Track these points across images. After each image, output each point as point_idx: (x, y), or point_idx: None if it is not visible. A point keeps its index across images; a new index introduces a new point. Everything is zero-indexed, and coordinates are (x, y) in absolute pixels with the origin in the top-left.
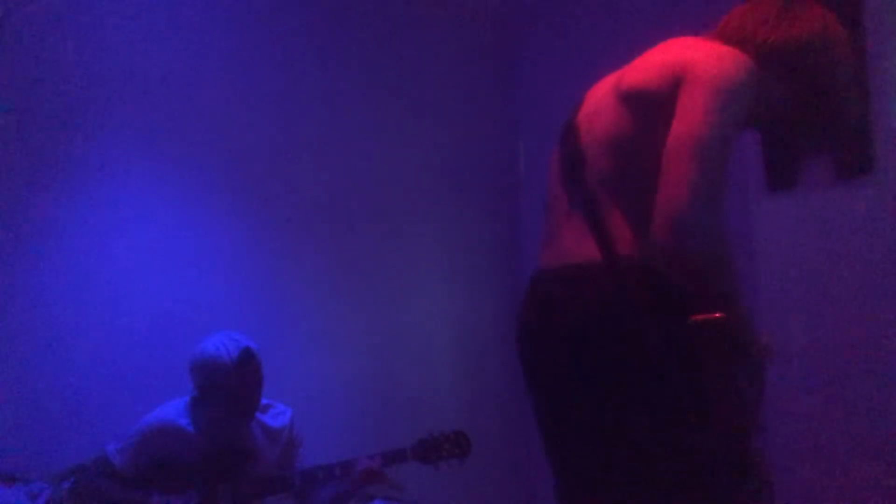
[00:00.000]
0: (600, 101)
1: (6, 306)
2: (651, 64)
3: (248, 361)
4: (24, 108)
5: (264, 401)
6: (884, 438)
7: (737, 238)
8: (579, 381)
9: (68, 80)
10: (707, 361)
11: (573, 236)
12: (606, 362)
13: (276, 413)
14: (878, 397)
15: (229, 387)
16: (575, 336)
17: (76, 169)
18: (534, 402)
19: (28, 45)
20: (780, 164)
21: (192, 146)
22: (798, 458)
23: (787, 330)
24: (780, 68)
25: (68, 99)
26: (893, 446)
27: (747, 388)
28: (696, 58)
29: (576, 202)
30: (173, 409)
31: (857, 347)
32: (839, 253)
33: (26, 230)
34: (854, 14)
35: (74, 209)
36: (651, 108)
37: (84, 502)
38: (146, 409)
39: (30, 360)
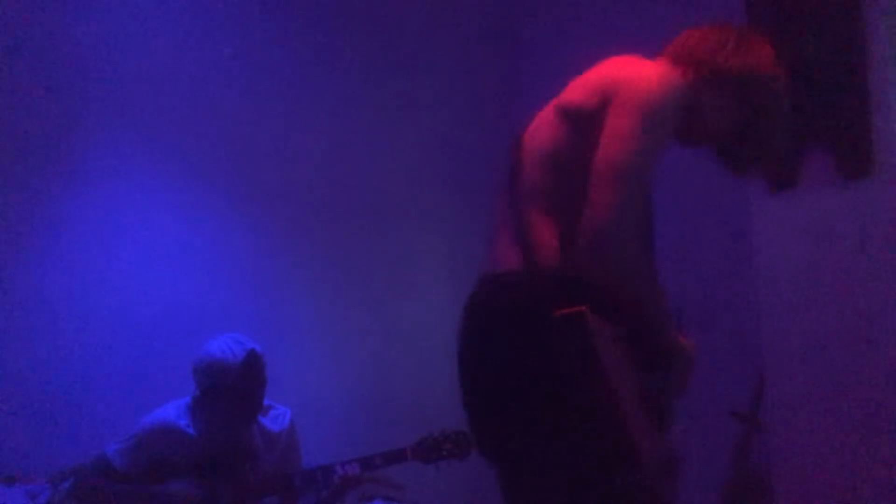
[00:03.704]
0: (543, 117)
1: (7, 306)
2: (586, 82)
3: (253, 364)
4: (29, 109)
5: (265, 402)
6: (884, 438)
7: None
8: (487, 386)
9: (74, 82)
10: (571, 354)
11: (505, 245)
12: (513, 369)
13: (275, 415)
14: (878, 397)
15: (233, 389)
16: (488, 341)
17: (79, 170)
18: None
19: (32, 46)
20: (779, 163)
21: (193, 148)
22: (798, 458)
23: (786, 330)
24: (729, 92)
25: (74, 100)
26: (893, 446)
27: (659, 388)
28: (624, 78)
29: (510, 212)
30: (173, 410)
31: (857, 347)
32: (839, 253)
33: (28, 231)
34: (854, 15)
35: (76, 210)
36: (582, 124)
37: (84, 502)
38: (146, 410)
39: (30, 360)
